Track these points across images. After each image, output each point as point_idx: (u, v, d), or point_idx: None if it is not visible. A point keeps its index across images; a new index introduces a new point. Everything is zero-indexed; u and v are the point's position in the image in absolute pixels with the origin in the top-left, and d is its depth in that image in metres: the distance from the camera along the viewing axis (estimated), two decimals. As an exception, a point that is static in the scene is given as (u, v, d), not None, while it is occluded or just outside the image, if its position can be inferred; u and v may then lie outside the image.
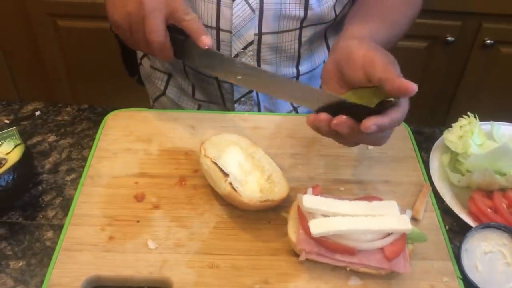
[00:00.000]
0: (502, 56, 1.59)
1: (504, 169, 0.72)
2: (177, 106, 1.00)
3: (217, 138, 0.73)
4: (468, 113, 0.82)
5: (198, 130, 0.81)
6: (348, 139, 0.61)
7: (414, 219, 0.70)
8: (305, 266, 0.64)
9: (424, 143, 0.83)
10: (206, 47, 0.70)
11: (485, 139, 0.79)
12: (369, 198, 0.66)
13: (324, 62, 1.01)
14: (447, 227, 0.71)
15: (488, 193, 0.73)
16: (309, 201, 0.63)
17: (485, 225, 0.67)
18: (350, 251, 0.61)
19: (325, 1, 0.83)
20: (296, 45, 0.89)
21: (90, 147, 0.78)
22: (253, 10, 0.81)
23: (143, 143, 0.78)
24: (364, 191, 0.73)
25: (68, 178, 0.75)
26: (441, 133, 0.82)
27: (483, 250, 0.66)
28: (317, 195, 0.66)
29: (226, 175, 0.67)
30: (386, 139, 0.63)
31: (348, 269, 0.62)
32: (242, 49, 0.84)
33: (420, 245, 0.66)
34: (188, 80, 0.97)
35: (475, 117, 0.80)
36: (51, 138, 0.81)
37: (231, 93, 0.92)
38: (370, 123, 0.56)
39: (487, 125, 0.82)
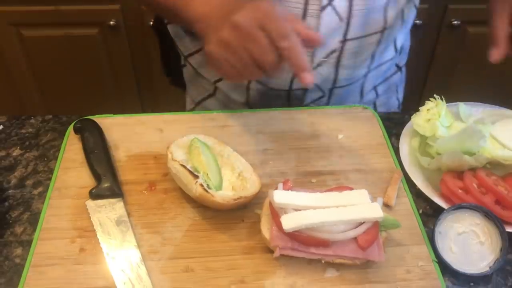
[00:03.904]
0: (470, 35, 1.60)
1: (473, 149, 0.73)
2: (225, 108, 0.95)
3: (183, 140, 0.72)
4: (435, 95, 0.82)
5: (166, 132, 0.80)
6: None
7: (387, 206, 0.70)
8: (281, 262, 0.63)
9: (394, 128, 0.83)
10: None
11: (452, 121, 0.79)
12: (339, 188, 0.66)
13: (397, 65, 1.02)
14: (420, 211, 0.71)
15: (459, 174, 0.73)
16: (280, 196, 0.63)
17: (457, 206, 0.67)
18: (324, 243, 0.61)
19: None
20: (375, 47, 0.88)
21: (57, 158, 0.76)
22: (341, 19, 0.79)
23: (110, 150, 0.76)
24: (336, 182, 0.73)
25: (35, 192, 0.73)
26: (410, 118, 0.82)
27: (456, 231, 0.66)
28: (288, 189, 0.65)
29: (195, 177, 0.66)
30: None
31: (323, 261, 0.62)
32: (324, 58, 0.82)
33: (395, 231, 0.66)
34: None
35: (441, 99, 0.81)
36: (16, 152, 0.79)
37: (300, 100, 0.90)
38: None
39: (455, 106, 0.83)
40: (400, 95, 1.10)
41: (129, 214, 0.68)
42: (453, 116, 0.80)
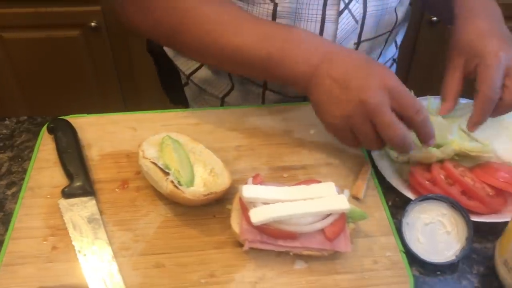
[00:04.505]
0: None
1: (440, 142, 0.74)
2: None
3: (155, 138, 0.73)
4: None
5: (139, 131, 0.80)
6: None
7: (356, 198, 0.71)
8: (251, 255, 0.64)
9: (366, 123, 0.84)
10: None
11: (422, 114, 0.80)
12: (307, 181, 0.67)
13: (393, 59, 1.06)
14: (390, 203, 0.72)
15: (428, 166, 0.74)
16: (249, 190, 0.64)
17: (423, 197, 0.68)
18: (292, 236, 0.62)
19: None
20: (383, 46, 0.91)
21: (31, 159, 0.76)
22: (356, 21, 0.82)
23: (83, 149, 0.77)
24: (307, 176, 0.74)
25: (8, 192, 0.73)
26: (381, 112, 0.83)
27: (423, 222, 0.68)
28: (258, 184, 0.66)
29: (166, 173, 0.67)
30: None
31: (291, 253, 0.63)
32: None
33: (364, 223, 0.67)
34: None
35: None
36: (-10, 153, 0.79)
37: None
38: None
39: (425, 100, 0.84)
40: None
41: (101, 212, 0.69)
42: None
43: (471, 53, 0.74)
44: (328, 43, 0.72)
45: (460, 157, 0.76)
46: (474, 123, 0.73)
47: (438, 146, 0.74)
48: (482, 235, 0.68)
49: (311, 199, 0.63)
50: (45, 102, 1.72)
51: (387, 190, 0.74)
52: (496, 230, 0.67)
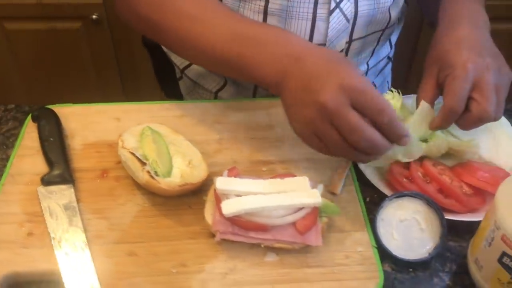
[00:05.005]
0: (449, 31, 1.61)
1: (427, 133, 0.74)
2: None
3: (136, 128, 0.73)
4: (392, 88, 0.83)
5: (123, 122, 0.81)
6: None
7: (332, 193, 0.71)
8: (223, 246, 0.65)
9: (350, 119, 0.84)
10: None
11: (408, 113, 0.80)
12: (282, 175, 0.67)
13: (388, 57, 1.06)
14: (368, 199, 0.72)
15: (407, 164, 0.74)
16: (223, 182, 0.64)
17: (399, 194, 0.68)
18: (263, 228, 0.62)
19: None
20: (375, 44, 0.92)
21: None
22: (348, 20, 0.82)
23: (66, 139, 0.78)
24: (286, 170, 0.74)
25: (-9, 179, 0.75)
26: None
27: (398, 219, 0.68)
28: (233, 176, 0.67)
29: (143, 164, 0.67)
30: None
31: (262, 245, 0.63)
32: None
33: (338, 218, 0.68)
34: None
35: (398, 92, 0.82)
36: (-24, 140, 0.81)
37: None
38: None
39: (410, 99, 0.83)
40: (389, 81, 1.14)
41: (79, 200, 0.69)
42: (409, 110, 0.81)
43: (443, 63, 0.73)
44: (302, 43, 0.67)
45: (444, 155, 0.76)
46: (435, 127, 0.72)
47: (424, 139, 0.74)
48: (458, 233, 0.68)
49: (284, 192, 0.63)
50: (46, 93, 1.74)
51: (366, 186, 0.74)
52: (472, 228, 0.67)
